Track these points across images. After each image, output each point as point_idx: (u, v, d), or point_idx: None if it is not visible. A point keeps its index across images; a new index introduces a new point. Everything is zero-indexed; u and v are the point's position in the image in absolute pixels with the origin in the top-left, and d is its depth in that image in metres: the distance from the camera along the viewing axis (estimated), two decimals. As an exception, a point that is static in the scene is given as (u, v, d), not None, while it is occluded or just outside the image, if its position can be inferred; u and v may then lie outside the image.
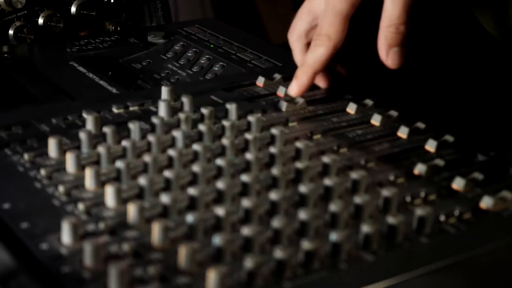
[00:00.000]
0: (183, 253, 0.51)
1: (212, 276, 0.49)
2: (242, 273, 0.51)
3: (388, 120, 0.74)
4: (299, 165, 0.63)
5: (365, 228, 0.55)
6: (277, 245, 0.54)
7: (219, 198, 0.59)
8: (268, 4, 1.99)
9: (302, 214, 0.56)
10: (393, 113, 0.75)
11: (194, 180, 0.62)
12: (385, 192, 0.59)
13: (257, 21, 1.96)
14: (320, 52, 0.76)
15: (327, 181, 0.60)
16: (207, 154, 0.65)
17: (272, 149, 0.65)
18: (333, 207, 0.57)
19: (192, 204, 0.58)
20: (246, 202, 0.57)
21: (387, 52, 0.74)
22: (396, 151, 0.69)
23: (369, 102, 0.77)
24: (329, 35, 0.76)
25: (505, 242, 0.56)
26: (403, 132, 0.72)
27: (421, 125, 0.73)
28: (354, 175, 0.61)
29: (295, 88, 0.78)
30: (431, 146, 0.69)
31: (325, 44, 0.76)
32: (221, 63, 0.89)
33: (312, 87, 0.82)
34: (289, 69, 0.86)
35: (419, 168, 0.65)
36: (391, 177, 0.64)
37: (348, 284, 0.51)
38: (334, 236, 0.53)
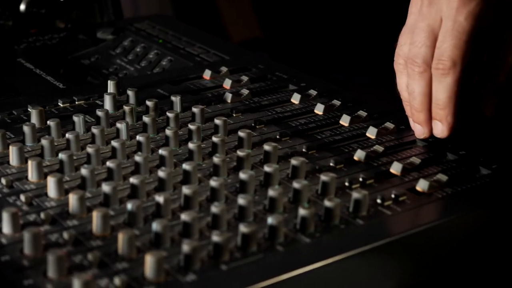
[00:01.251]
0: (122, 239, 0.52)
1: (149, 260, 0.50)
2: (180, 257, 0.52)
3: (331, 109, 0.75)
4: (240, 153, 0.64)
5: (302, 212, 0.56)
6: (215, 230, 0.55)
7: (161, 186, 0.60)
8: (227, 2, 2.00)
9: (241, 200, 0.57)
10: (336, 102, 0.76)
11: (136, 170, 0.62)
12: (323, 177, 0.60)
13: (217, 19, 1.96)
14: (448, 81, 0.65)
15: (267, 168, 0.61)
16: (150, 145, 0.66)
17: (214, 139, 0.66)
18: (272, 192, 0.58)
19: (133, 193, 0.59)
20: (186, 189, 0.58)
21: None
22: (338, 139, 0.70)
23: (313, 92, 0.78)
24: (455, 60, 0.65)
25: (438, 222, 0.58)
26: (345, 121, 0.73)
27: (362, 113, 0.74)
28: (294, 161, 0.63)
29: (445, 131, 0.68)
30: (371, 133, 0.71)
31: (452, 72, 0.65)
32: (169, 58, 0.90)
33: (257, 79, 0.83)
34: (236, 62, 0.87)
35: (358, 154, 0.66)
36: (331, 163, 0.65)
37: (284, 266, 0.52)
38: (271, 220, 0.55)
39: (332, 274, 0.53)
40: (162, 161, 0.63)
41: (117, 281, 0.49)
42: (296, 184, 0.59)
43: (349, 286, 0.55)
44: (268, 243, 0.54)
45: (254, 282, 0.50)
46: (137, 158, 0.62)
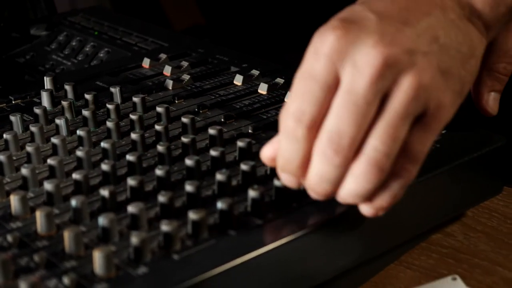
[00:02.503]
0: (68, 237, 0.50)
1: (97, 256, 0.48)
2: (130, 250, 0.50)
3: (275, 88, 0.74)
4: (184, 139, 0.62)
5: (252, 194, 0.54)
6: (164, 220, 0.53)
7: (105, 181, 0.58)
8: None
9: (188, 187, 0.55)
10: (280, 80, 0.75)
11: (79, 165, 0.60)
12: (271, 157, 0.59)
13: (158, 9, 1.94)
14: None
15: (213, 152, 0.60)
16: (92, 139, 0.64)
17: (157, 127, 0.64)
18: (219, 176, 0.56)
19: (77, 189, 0.57)
20: (131, 181, 0.56)
21: (485, 96, 0.65)
22: (283, 117, 0.69)
23: (255, 72, 0.77)
24: None
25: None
26: (289, 98, 0.72)
27: (307, 89, 0.73)
28: (240, 143, 0.61)
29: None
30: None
31: None
32: (106, 49, 0.88)
33: (198, 63, 0.81)
34: (175, 48, 0.85)
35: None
36: (279, 142, 0.64)
37: (237, 250, 0.51)
38: (220, 204, 0.53)
39: (287, 255, 0.52)
40: (105, 154, 0.61)
41: (66, 280, 0.48)
42: (244, 166, 0.58)
43: (307, 265, 0.54)
44: (219, 228, 0.53)
45: (208, 269, 0.49)
46: (79, 153, 0.60)
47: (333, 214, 0.55)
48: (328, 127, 0.50)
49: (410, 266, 0.61)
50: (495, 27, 0.55)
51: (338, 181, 0.51)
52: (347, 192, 0.51)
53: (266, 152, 0.54)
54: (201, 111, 0.70)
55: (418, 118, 0.51)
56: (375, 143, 0.49)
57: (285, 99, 0.71)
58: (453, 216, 0.65)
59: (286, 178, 0.53)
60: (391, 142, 0.50)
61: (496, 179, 0.65)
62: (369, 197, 0.52)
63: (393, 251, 0.62)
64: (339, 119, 0.49)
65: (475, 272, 0.60)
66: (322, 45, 0.50)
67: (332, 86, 0.50)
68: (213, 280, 0.49)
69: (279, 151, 0.53)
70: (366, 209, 0.53)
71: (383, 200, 0.52)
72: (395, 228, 0.58)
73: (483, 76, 0.64)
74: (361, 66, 0.49)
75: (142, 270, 0.49)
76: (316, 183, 0.51)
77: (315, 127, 0.50)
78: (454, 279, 0.57)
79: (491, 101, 0.65)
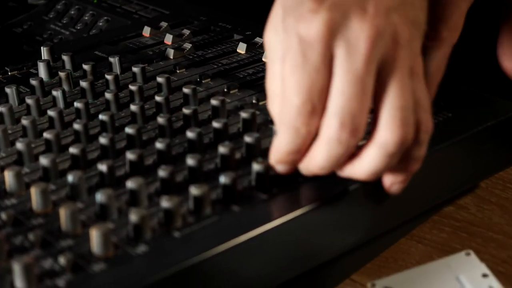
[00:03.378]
0: (64, 214, 0.48)
1: (94, 235, 0.46)
2: (129, 228, 0.48)
3: (279, 56, 0.71)
4: (185, 110, 0.60)
5: (256, 167, 0.52)
6: (164, 195, 0.51)
7: (103, 155, 0.56)
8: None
9: (190, 160, 0.53)
10: (284, 48, 0.72)
11: (76, 139, 0.58)
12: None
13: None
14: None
15: (215, 124, 0.57)
16: (90, 111, 0.62)
17: (157, 98, 0.62)
18: (222, 149, 0.54)
19: (75, 164, 0.55)
20: (130, 155, 0.54)
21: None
22: (289, 86, 0.66)
23: (259, 40, 0.74)
24: None
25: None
26: (295, 67, 0.69)
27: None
28: (244, 114, 0.59)
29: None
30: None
31: None
32: (105, 18, 0.85)
33: (200, 31, 0.78)
34: (176, 16, 0.83)
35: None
36: (284, 113, 0.61)
37: (241, 226, 0.49)
38: (223, 179, 0.51)
39: (294, 231, 0.50)
40: (103, 127, 0.59)
41: (62, 260, 0.45)
42: (248, 138, 0.55)
43: (315, 241, 0.52)
44: (222, 204, 0.51)
45: (210, 247, 0.47)
46: (76, 126, 0.58)
47: (341, 188, 0.52)
48: (337, 110, 0.48)
49: (421, 241, 0.59)
50: None
51: (347, 160, 0.49)
52: (370, 170, 0.49)
53: None
54: (203, 81, 0.68)
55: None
56: (395, 102, 0.48)
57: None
58: (466, 188, 0.63)
59: (282, 168, 0.52)
60: (408, 95, 0.48)
61: (511, 149, 0.63)
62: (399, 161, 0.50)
63: (404, 225, 0.59)
64: (347, 99, 0.47)
65: (490, 246, 0.58)
66: (309, 32, 0.48)
67: (330, 69, 0.48)
68: (216, 259, 0.46)
69: (278, 146, 0.51)
70: (392, 179, 0.51)
71: (414, 157, 0.50)
72: (406, 202, 0.56)
73: (505, 37, 0.64)
74: (355, 42, 0.47)
75: (141, 248, 0.47)
76: (323, 167, 0.50)
77: (322, 114, 0.49)
78: (468, 254, 0.55)
79: None
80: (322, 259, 0.53)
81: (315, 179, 0.52)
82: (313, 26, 0.47)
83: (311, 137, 0.50)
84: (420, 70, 0.50)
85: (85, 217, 0.50)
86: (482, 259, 0.56)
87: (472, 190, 0.64)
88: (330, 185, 0.52)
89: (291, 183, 0.53)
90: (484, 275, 0.53)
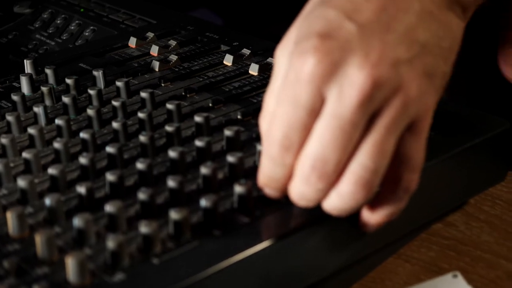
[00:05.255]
0: (39, 240, 0.47)
1: (70, 262, 0.45)
2: (106, 254, 0.47)
3: (267, 69, 0.70)
4: (168, 128, 0.58)
5: (238, 189, 0.51)
6: (144, 220, 0.49)
7: (83, 175, 0.55)
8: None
9: (171, 183, 0.52)
10: (271, 60, 0.71)
11: (56, 158, 0.57)
12: (259, 147, 0.55)
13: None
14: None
15: (198, 143, 0.56)
16: (72, 128, 0.61)
17: (140, 115, 0.61)
18: (204, 170, 0.53)
19: (53, 185, 0.54)
20: (110, 176, 0.53)
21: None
22: (275, 101, 0.65)
23: (246, 51, 0.73)
24: None
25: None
26: (282, 80, 0.68)
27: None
28: (228, 132, 0.57)
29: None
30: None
31: None
32: (92, 27, 0.84)
33: (187, 42, 0.77)
34: (163, 26, 0.81)
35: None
36: (269, 130, 0.60)
37: (222, 252, 0.47)
38: (204, 202, 0.50)
39: (278, 255, 0.49)
40: (84, 146, 0.58)
41: (36, 290, 0.44)
42: (230, 158, 0.54)
43: (301, 264, 0.50)
44: (203, 228, 0.50)
45: (190, 275, 0.45)
46: (56, 145, 0.57)
47: (321, 213, 0.51)
48: (312, 153, 0.47)
49: (409, 260, 0.58)
50: (472, 8, 0.52)
51: (321, 200, 0.49)
52: (332, 207, 0.49)
53: None
54: (188, 95, 0.66)
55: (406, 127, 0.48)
56: (363, 160, 0.47)
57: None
58: (456, 206, 0.62)
59: (269, 192, 0.51)
60: (380, 158, 0.47)
61: (500, 165, 0.62)
62: (375, 206, 0.50)
63: (392, 244, 0.58)
64: (324, 145, 0.47)
65: (478, 266, 0.57)
66: (303, 70, 0.46)
67: (318, 110, 0.47)
68: (196, 287, 0.45)
69: (261, 169, 0.50)
70: (371, 217, 0.51)
71: (390, 210, 0.51)
72: (395, 222, 0.55)
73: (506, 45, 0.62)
74: (347, 89, 0.46)
75: (119, 277, 0.46)
76: (298, 200, 0.50)
77: (300, 151, 0.48)
78: (455, 276, 0.54)
79: None
80: (308, 282, 0.52)
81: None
82: (309, 65, 0.46)
83: (288, 171, 0.49)
84: (426, 127, 0.48)
85: (63, 242, 0.49)
86: (470, 279, 0.55)
87: (461, 206, 0.63)
88: (315, 207, 0.51)
89: (274, 205, 0.51)
90: (471, 299, 0.52)
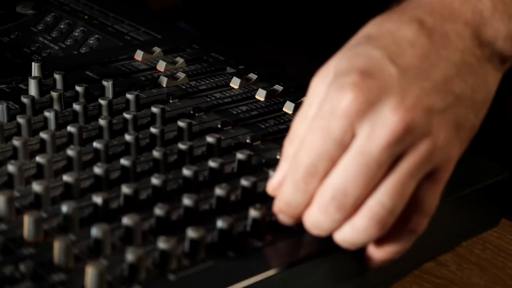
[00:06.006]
0: (58, 247, 0.47)
1: (90, 272, 0.45)
2: (123, 266, 0.48)
3: (273, 95, 0.72)
4: (182, 146, 0.59)
5: (253, 213, 0.52)
6: (160, 235, 0.50)
7: (97, 185, 0.55)
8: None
9: (187, 200, 0.52)
10: (278, 87, 0.72)
11: (68, 165, 0.57)
12: (272, 173, 0.56)
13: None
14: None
15: (212, 164, 0.57)
16: (82, 136, 0.61)
17: (153, 130, 0.61)
18: (219, 191, 0.54)
19: (67, 192, 0.54)
20: (126, 189, 0.53)
21: None
22: (283, 128, 0.66)
23: (253, 76, 0.74)
24: None
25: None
26: (288, 108, 0.69)
27: (306, 100, 0.70)
28: (240, 155, 0.59)
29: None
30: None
31: None
32: (96, 36, 0.84)
33: (193, 60, 0.78)
34: (168, 42, 0.82)
35: (306, 146, 0.63)
36: (278, 156, 0.61)
37: (237, 273, 0.48)
38: (221, 223, 0.51)
39: (287, 281, 0.50)
40: (97, 155, 0.58)
41: (54, 296, 0.45)
42: (244, 182, 0.55)
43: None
44: (218, 249, 0.50)
45: (207, 294, 0.46)
46: (70, 152, 0.57)
47: (330, 244, 0.52)
48: (334, 184, 0.48)
49: (401, 295, 0.60)
50: (511, 60, 0.54)
51: (334, 230, 0.50)
52: (343, 239, 0.50)
53: (274, 184, 0.53)
54: (196, 114, 0.67)
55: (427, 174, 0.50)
56: (382, 198, 0.48)
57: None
58: (448, 248, 0.63)
59: (283, 218, 0.52)
60: (398, 199, 0.49)
61: (495, 211, 0.64)
62: (381, 243, 0.51)
63: (385, 280, 0.60)
64: (347, 178, 0.48)
65: (468, 308, 0.58)
66: (340, 103, 0.48)
67: (347, 144, 0.48)
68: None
69: (280, 194, 0.51)
70: (376, 253, 0.52)
71: (395, 249, 0.52)
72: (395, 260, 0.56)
73: None
74: (379, 129, 0.47)
75: (136, 289, 0.46)
76: (311, 228, 0.51)
77: (323, 180, 0.49)
78: (451, 316, 0.56)
79: None
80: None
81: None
82: (345, 100, 0.47)
83: (309, 197, 0.50)
84: (444, 178, 0.50)
85: (78, 251, 0.49)
86: (462, 320, 0.57)
87: (453, 247, 0.64)
88: (325, 238, 0.52)
89: (285, 231, 0.53)
90: None
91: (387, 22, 0.51)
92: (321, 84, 0.51)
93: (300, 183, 0.50)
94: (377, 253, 0.52)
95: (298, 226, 0.52)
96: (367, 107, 0.47)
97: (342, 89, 0.48)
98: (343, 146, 0.48)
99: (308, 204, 0.50)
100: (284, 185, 0.51)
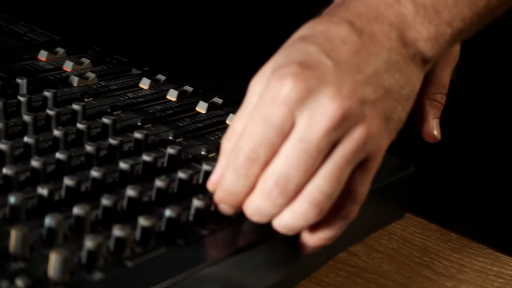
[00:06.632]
0: (15, 236, 0.47)
1: (54, 259, 0.46)
2: (81, 254, 0.48)
3: (184, 96, 0.74)
4: (112, 141, 0.60)
5: (196, 203, 0.54)
6: (108, 225, 0.51)
7: (33, 178, 0.55)
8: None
9: (131, 191, 0.53)
10: (189, 88, 0.74)
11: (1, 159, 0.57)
12: (206, 167, 0.59)
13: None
14: None
15: (146, 157, 0.59)
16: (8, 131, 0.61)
17: (80, 125, 0.62)
18: (159, 183, 0.55)
19: (6, 185, 0.54)
20: (68, 181, 0.54)
21: (431, 123, 0.67)
22: (200, 126, 0.68)
23: (161, 77, 0.76)
24: None
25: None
26: (201, 108, 0.72)
27: (218, 100, 0.73)
28: (171, 150, 0.60)
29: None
30: (231, 120, 0.70)
31: None
32: (-7, 36, 0.83)
33: (98, 61, 0.79)
34: (67, 43, 0.82)
35: (227, 143, 0.65)
36: (203, 152, 0.63)
37: (190, 260, 0.50)
38: (169, 212, 0.52)
39: (235, 267, 0.52)
40: (27, 150, 0.58)
41: (19, 283, 0.45)
42: (182, 174, 0.57)
43: (261, 275, 0.54)
44: (167, 237, 0.52)
45: (168, 277, 0.48)
46: (2, 146, 0.56)
47: (267, 233, 0.55)
48: (277, 170, 0.51)
49: (320, 283, 0.63)
50: (432, 62, 0.59)
51: (275, 216, 0.53)
52: (282, 224, 0.53)
53: (214, 180, 0.55)
54: (114, 112, 0.68)
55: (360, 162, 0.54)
56: (321, 184, 0.51)
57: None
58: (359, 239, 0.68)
59: (224, 208, 0.55)
60: (336, 184, 0.52)
61: (401, 205, 0.69)
62: (315, 229, 0.54)
63: (306, 269, 0.63)
64: (289, 164, 0.51)
65: (381, 293, 0.63)
66: (281, 91, 0.51)
67: (287, 132, 0.51)
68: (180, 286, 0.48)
69: (221, 184, 0.54)
70: (310, 239, 0.55)
71: (328, 234, 0.55)
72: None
73: (426, 105, 0.67)
74: (318, 116, 0.50)
75: (97, 275, 0.47)
76: (253, 214, 0.53)
77: (264, 167, 0.52)
78: (373, 298, 0.60)
79: (436, 126, 0.67)
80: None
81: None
82: (286, 88, 0.50)
83: (250, 184, 0.52)
84: (374, 167, 0.54)
85: (31, 241, 0.49)
86: (379, 303, 0.61)
87: (362, 239, 0.69)
88: (258, 228, 0.55)
89: (227, 220, 0.55)
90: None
91: (318, 24, 0.55)
92: (258, 83, 0.54)
93: (241, 169, 0.52)
94: (311, 239, 0.56)
95: (238, 215, 0.55)
96: (306, 95, 0.51)
97: (282, 78, 0.51)
98: (283, 133, 0.51)
99: (249, 191, 0.53)
100: (225, 174, 0.53)
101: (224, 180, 0.53)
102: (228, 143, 0.54)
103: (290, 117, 0.51)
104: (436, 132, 0.66)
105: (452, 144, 0.90)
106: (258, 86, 0.53)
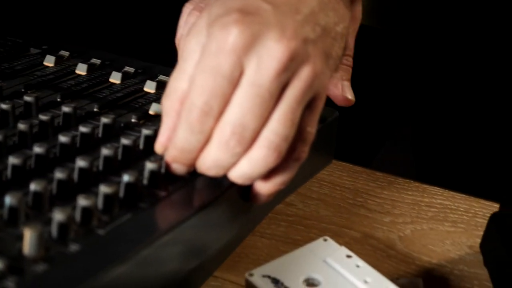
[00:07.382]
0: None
1: (29, 235, 0.44)
2: (51, 227, 0.46)
3: (94, 69, 0.72)
4: (42, 117, 0.58)
5: (150, 166, 0.53)
6: (64, 199, 0.49)
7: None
8: None
9: (81, 162, 0.52)
10: (96, 61, 0.72)
11: None
12: (146, 131, 0.57)
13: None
14: None
15: (83, 128, 0.57)
16: None
17: (3, 106, 0.59)
18: (105, 151, 0.54)
19: None
20: (14, 159, 0.51)
21: (340, 85, 0.66)
22: (120, 96, 0.67)
23: (65, 53, 0.74)
24: None
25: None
26: (115, 78, 0.70)
27: (130, 69, 0.71)
28: (105, 119, 0.59)
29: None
30: (149, 87, 0.69)
31: None
32: None
33: None
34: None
35: (154, 108, 0.64)
36: (133, 119, 0.62)
37: (160, 221, 0.49)
38: (127, 177, 0.51)
39: (201, 223, 0.52)
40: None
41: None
42: (125, 141, 0.55)
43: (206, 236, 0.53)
44: (127, 202, 0.51)
45: (145, 240, 0.47)
46: None
47: (221, 189, 0.55)
48: (232, 119, 0.51)
49: (264, 235, 0.63)
50: (358, 2, 0.60)
51: (232, 167, 0.53)
52: (240, 174, 0.53)
53: (163, 142, 0.54)
54: (29, 91, 0.65)
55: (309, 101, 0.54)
56: (276, 127, 0.51)
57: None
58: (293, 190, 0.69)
59: (176, 168, 0.54)
60: (290, 126, 0.52)
61: (329, 150, 0.70)
62: (268, 176, 0.54)
63: (250, 224, 0.63)
64: (243, 112, 0.51)
65: (327, 235, 0.64)
66: (227, 40, 0.50)
67: (237, 79, 0.51)
68: (155, 248, 0.47)
69: (173, 143, 0.52)
70: (263, 187, 0.55)
71: (282, 179, 0.55)
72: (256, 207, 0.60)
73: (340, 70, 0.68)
74: (266, 60, 0.50)
75: (73, 247, 0.45)
76: (210, 168, 0.53)
77: (218, 118, 0.51)
78: (326, 240, 0.60)
79: (347, 88, 0.67)
80: (209, 253, 0.55)
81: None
82: (231, 36, 0.50)
83: (205, 139, 0.52)
84: (320, 105, 0.54)
85: (-9, 222, 0.46)
86: (326, 246, 0.62)
87: (295, 189, 0.70)
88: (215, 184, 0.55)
89: (180, 180, 0.54)
90: (348, 256, 0.58)
91: None
92: (194, 38, 0.53)
93: (195, 124, 0.51)
94: (264, 187, 0.55)
95: (189, 174, 0.54)
96: (252, 40, 0.50)
97: (225, 27, 0.50)
98: (234, 81, 0.51)
99: (202, 147, 0.52)
100: (177, 132, 0.52)
101: (177, 138, 0.52)
102: (169, 102, 0.53)
103: (239, 65, 0.51)
104: (349, 95, 0.67)
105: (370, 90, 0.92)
106: (194, 41, 0.52)
